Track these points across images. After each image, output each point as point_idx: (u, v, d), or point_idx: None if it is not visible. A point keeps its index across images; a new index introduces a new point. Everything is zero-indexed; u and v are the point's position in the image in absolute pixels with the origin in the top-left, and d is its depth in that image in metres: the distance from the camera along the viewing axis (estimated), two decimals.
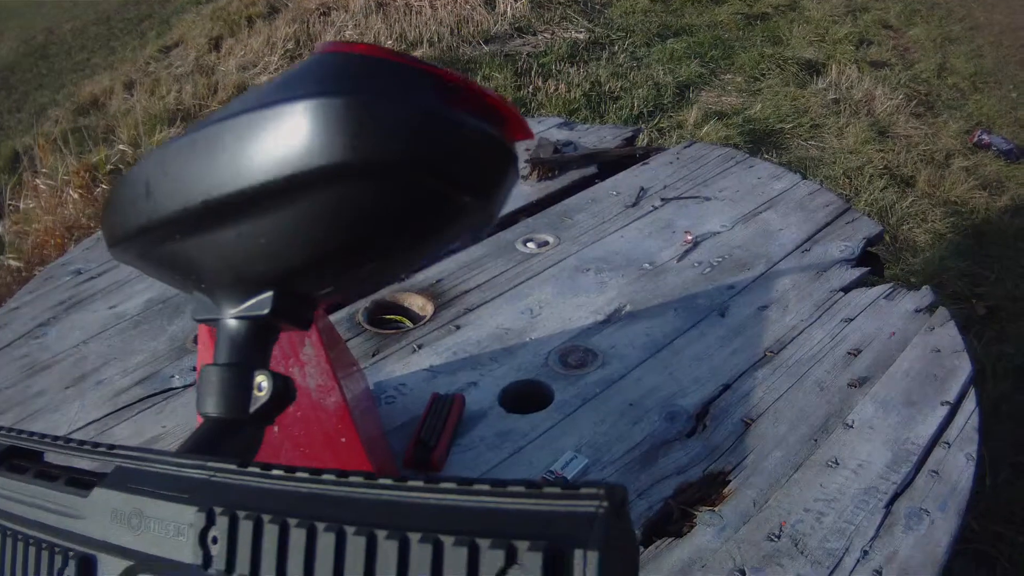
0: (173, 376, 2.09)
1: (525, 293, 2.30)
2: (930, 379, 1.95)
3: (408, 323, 2.22)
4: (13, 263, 4.78)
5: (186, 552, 0.54)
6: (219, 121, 0.72)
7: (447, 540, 0.43)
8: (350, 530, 0.46)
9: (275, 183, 0.67)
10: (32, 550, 0.68)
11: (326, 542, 0.47)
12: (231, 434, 0.77)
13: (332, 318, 2.20)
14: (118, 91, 7.61)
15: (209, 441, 0.76)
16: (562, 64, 6.34)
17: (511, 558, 0.41)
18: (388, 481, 0.49)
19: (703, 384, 1.94)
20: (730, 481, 1.69)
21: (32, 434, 0.76)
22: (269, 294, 0.76)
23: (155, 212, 0.75)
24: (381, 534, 0.45)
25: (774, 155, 5.36)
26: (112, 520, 0.61)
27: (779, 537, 1.57)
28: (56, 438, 0.74)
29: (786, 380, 1.95)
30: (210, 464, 0.58)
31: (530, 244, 2.53)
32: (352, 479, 0.50)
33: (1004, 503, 3.17)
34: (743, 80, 6.49)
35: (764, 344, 2.07)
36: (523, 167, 2.92)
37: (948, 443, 1.78)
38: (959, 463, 1.73)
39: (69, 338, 2.29)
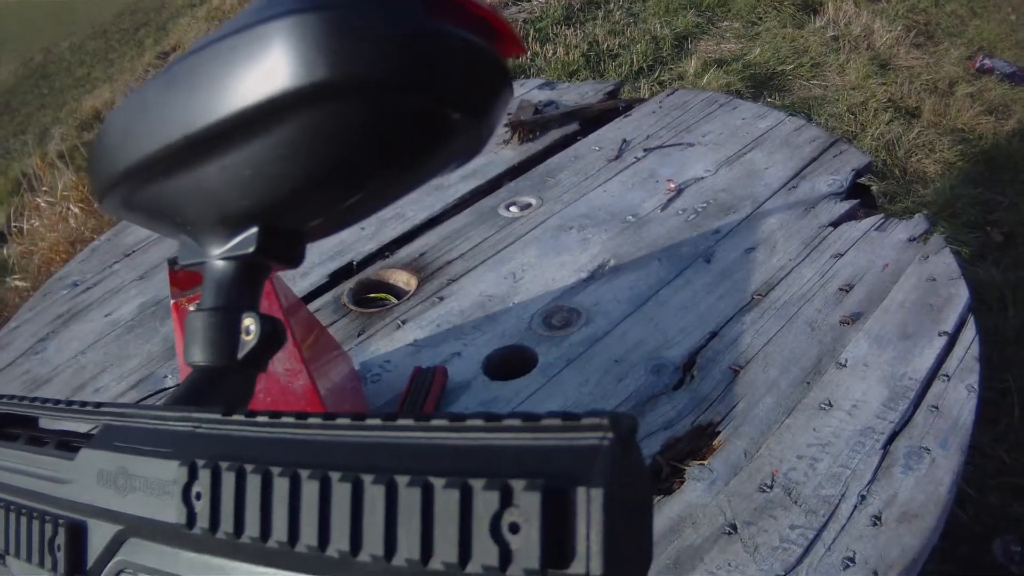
0: (166, 376, 2.09)
1: (508, 258, 2.27)
2: (926, 310, 1.90)
3: (393, 300, 2.20)
4: (20, 284, 4.80)
5: (171, 511, 0.51)
6: (195, 52, 0.67)
7: (437, 483, 0.39)
8: (335, 476, 0.43)
9: (255, 109, 0.62)
10: (24, 520, 0.65)
11: (310, 490, 0.43)
12: (219, 383, 0.72)
13: (317, 301, 2.21)
14: (119, 102, 7.63)
15: (196, 391, 0.71)
16: (559, 27, 6.29)
17: (506, 499, 0.36)
18: (376, 421, 0.45)
19: (689, 334, 1.90)
20: (719, 432, 1.66)
21: (23, 399, 0.74)
22: (254, 230, 0.71)
23: (137, 153, 0.70)
24: (367, 479, 0.41)
25: (776, 98, 5.34)
26: (99, 482, 0.58)
27: (771, 487, 1.53)
28: (46, 401, 0.71)
29: (775, 322, 1.91)
30: (194, 415, 0.55)
31: (513, 208, 2.50)
32: (340, 421, 0.46)
33: None
34: (741, 26, 6.45)
35: (751, 287, 2.03)
36: (504, 131, 2.90)
37: (947, 375, 1.74)
38: (960, 396, 1.69)
39: (67, 350, 2.29)
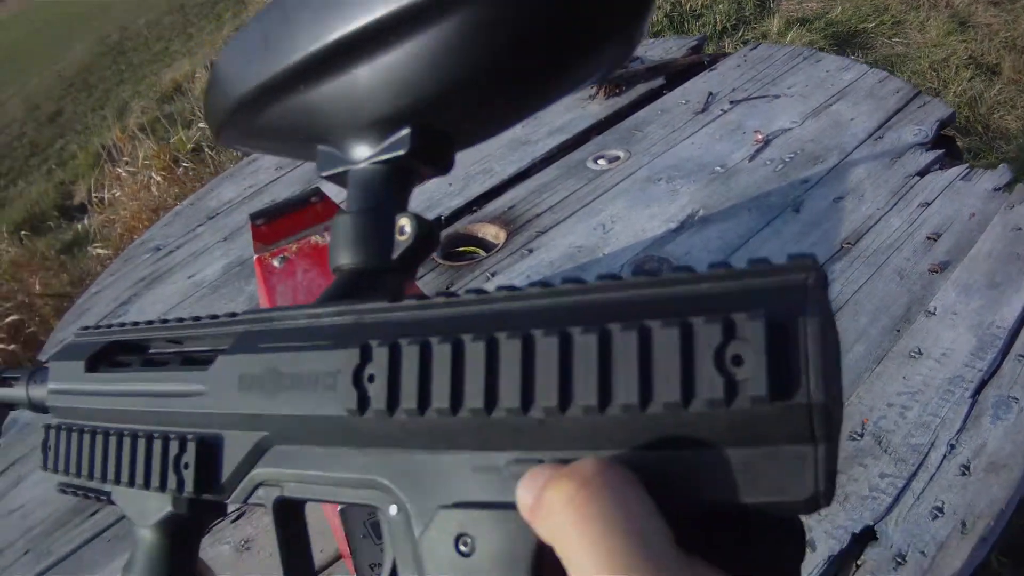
0: None
1: (597, 210, 2.27)
2: (1013, 259, 1.89)
3: (482, 253, 2.21)
4: (101, 251, 4.83)
5: (334, 403, 0.49)
6: None
7: (654, 324, 0.38)
8: (538, 332, 0.41)
9: (414, 6, 0.61)
10: (142, 444, 0.65)
11: (510, 350, 0.42)
12: (370, 284, 0.68)
13: None
14: (200, 74, 7.67)
15: (347, 291, 0.67)
16: None
17: (729, 332, 0.36)
18: (570, 286, 0.43)
19: None
20: None
21: (136, 323, 0.74)
22: (407, 131, 0.68)
23: (276, 65, 0.69)
24: (576, 330, 0.40)
25: (860, 55, 5.30)
26: (240, 388, 0.57)
27: (862, 436, 1.54)
28: (165, 321, 0.71)
29: (865, 271, 1.90)
30: (357, 307, 0.53)
31: (601, 161, 2.50)
32: (529, 291, 0.45)
33: None
34: None
35: (841, 236, 2.03)
36: (589, 87, 2.85)
37: None
38: None
39: (150, 312, 2.32)
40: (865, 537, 1.39)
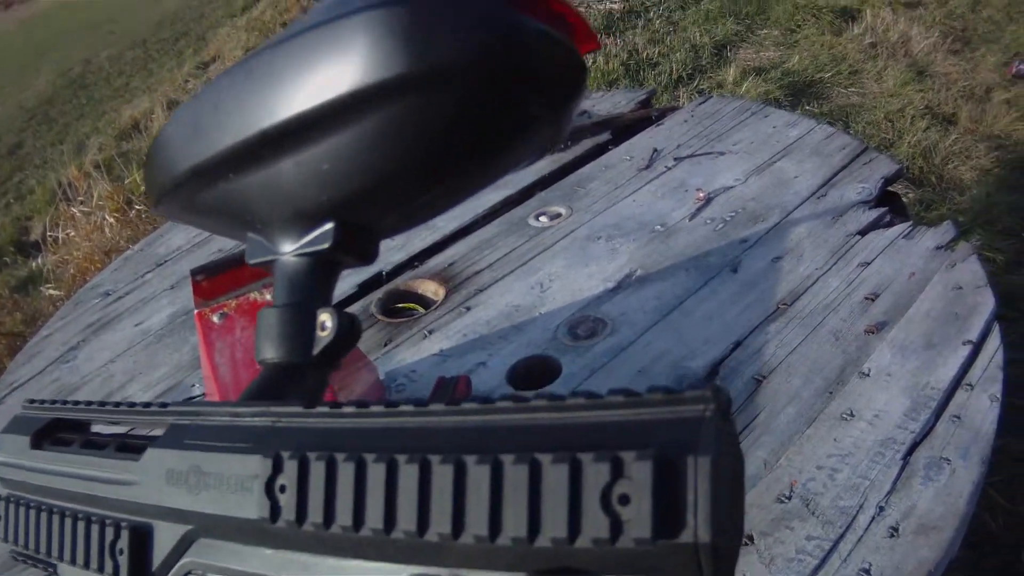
0: (194, 385, 2.10)
1: (536, 268, 2.27)
2: (951, 319, 1.89)
3: (421, 310, 2.21)
4: (53, 293, 4.83)
5: (250, 506, 0.51)
6: (274, 46, 0.68)
7: (544, 459, 0.39)
8: (435, 459, 0.42)
9: (337, 103, 0.62)
10: (81, 526, 0.66)
11: (408, 474, 0.43)
12: (294, 379, 0.72)
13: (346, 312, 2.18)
14: (159, 112, 7.68)
15: (270, 388, 0.71)
16: (599, 37, 6.28)
17: (617, 471, 0.36)
18: (474, 405, 0.44)
19: (713, 344, 1.90)
20: (741, 443, 1.63)
21: (78, 403, 0.75)
22: (330, 226, 0.71)
23: (207, 150, 0.71)
24: (470, 459, 0.41)
25: (815, 105, 5.34)
26: (167, 482, 0.58)
27: (789, 498, 1.53)
28: (103, 403, 0.72)
29: (800, 332, 1.90)
30: (273, 409, 0.54)
31: (542, 218, 2.50)
32: (433, 408, 0.46)
33: None
34: (779, 33, 6.45)
35: (777, 297, 2.03)
36: None
37: (971, 385, 1.73)
38: (982, 405, 1.68)
39: (97, 359, 2.31)
40: None
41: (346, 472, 0.45)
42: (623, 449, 0.36)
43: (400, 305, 2.25)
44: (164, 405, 0.63)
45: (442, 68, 0.62)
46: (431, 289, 2.27)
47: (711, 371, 1.82)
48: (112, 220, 5.09)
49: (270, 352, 0.72)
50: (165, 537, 0.59)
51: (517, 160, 0.75)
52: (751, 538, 1.47)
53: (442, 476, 0.41)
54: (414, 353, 2.01)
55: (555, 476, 0.38)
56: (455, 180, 0.73)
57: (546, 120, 0.70)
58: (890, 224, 2.25)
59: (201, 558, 0.57)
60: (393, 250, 2.43)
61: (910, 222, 2.24)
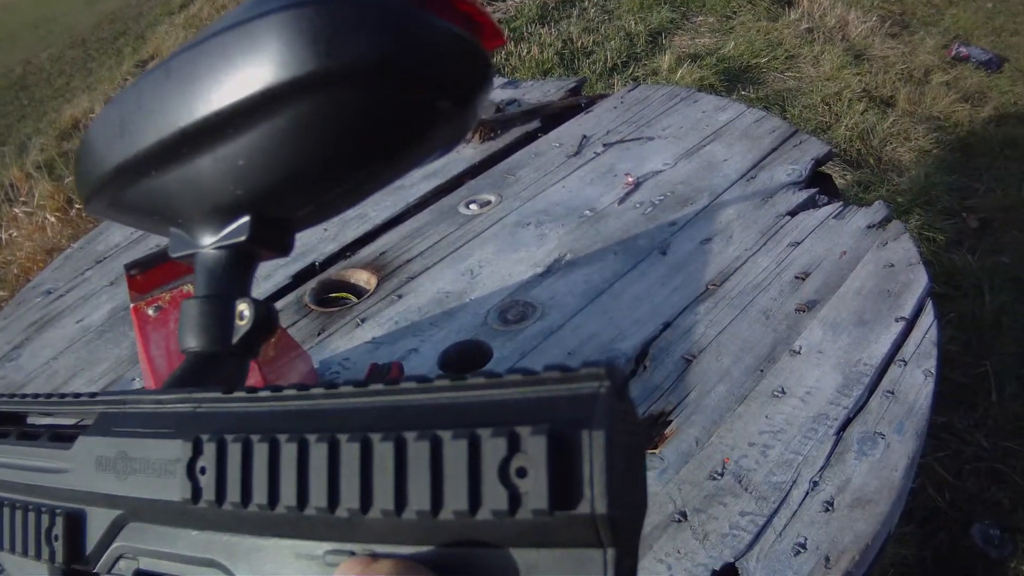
0: (134, 379, 2.10)
1: (466, 255, 2.27)
2: (883, 296, 1.90)
3: (354, 299, 2.21)
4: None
5: (174, 489, 0.52)
6: (192, 47, 0.69)
7: (445, 435, 0.40)
8: (343, 438, 0.43)
9: (250, 100, 0.64)
10: (19, 514, 0.66)
11: (319, 453, 0.44)
12: (214, 367, 0.75)
13: (280, 302, 2.23)
14: (98, 111, 7.64)
15: (192, 375, 0.74)
16: (533, 26, 6.29)
17: (514, 445, 0.37)
18: (380, 386, 0.46)
19: (643, 325, 1.90)
20: (671, 421, 1.65)
21: (12, 396, 0.75)
22: (246, 219, 0.73)
23: (130, 149, 0.72)
24: (376, 437, 0.42)
25: (751, 91, 5.35)
26: (97, 468, 0.59)
27: (722, 475, 1.53)
28: (37, 396, 0.73)
29: (729, 312, 1.91)
30: (194, 395, 0.55)
31: (472, 206, 2.50)
32: (343, 389, 0.47)
33: (1012, 418, 3.16)
34: (715, 20, 6.45)
35: (706, 278, 2.03)
36: None
37: (904, 360, 1.74)
38: (916, 381, 1.69)
39: (40, 356, 2.31)
40: (726, 574, 1.39)
41: (261, 452, 0.46)
42: (520, 425, 0.37)
43: (333, 295, 2.25)
44: (93, 395, 0.64)
45: (349, 66, 0.63)
46: (363, 278, 2.27)
47: (641, 352, 1.82)
48: (53, 219, 5.08)
49: (192, 341, 0.74)
50: (97, 522, 0.59)
51: (425, 153, 0.77)
52: (684, 515, 1.47)
53: (350, 454, 0.42)
54: (347, 341, 2.01)
55: (455, 451, 0.39)
56: (365, 173, 0.75)
57: (452, 115, 0.71)
58: (821, 205, 2.25)
59: (132, 542, 0.58)
60: (326, 240, 2.43)
61: (840, 202, 2.25)
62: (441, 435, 0.39)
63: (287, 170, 0.69)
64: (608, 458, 0.36)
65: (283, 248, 0.77)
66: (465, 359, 1.92)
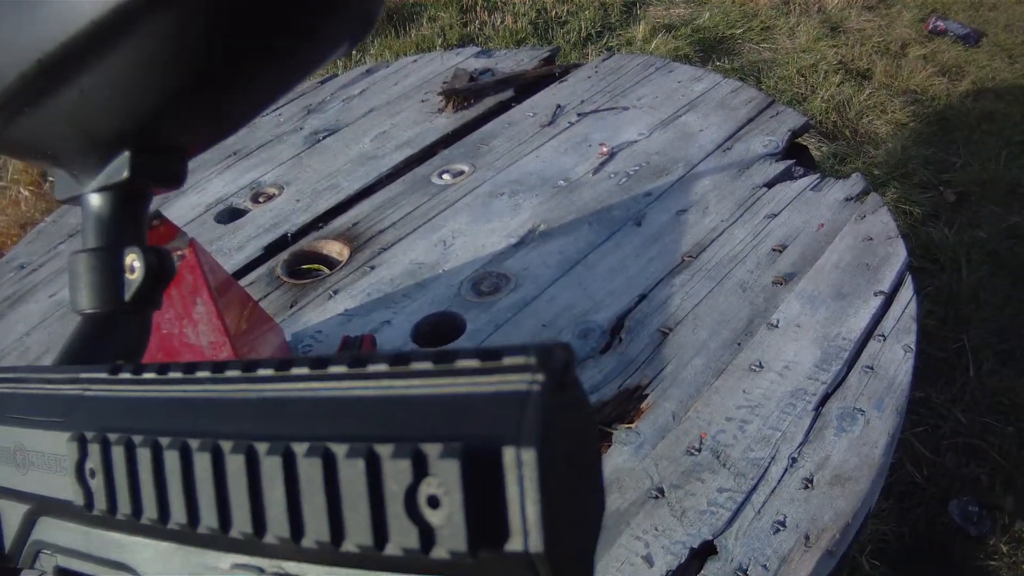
0: None
1: (439, 225, 2.26)
2: (862, 269, 1.89)
3: (326, 270, 2.19)
4: None
5: (69, 490, 0.47)
6: None
7: (339, 450, 0.34)
8: (227, 446, 0.38)
9: (104, 19, 0.57)
10: None
11: (203, 464, 0.39)
12: (110, 330, 0.68)
13: (252, 274, 2.20)
14: None
15: (86, 343, 0.67)
16: None
17: (420, 468, 0.31)
18: (269, 372, 0.40)
19: (618, 297, 1.89)
20: (647, 395, 1.64)
21: None
22: (126, 155, 0.66)
23: None
24: (262, 448, 0.37)
25: (725, 61, 5.34)
26: (1, 460, 0.55)
27: (699, 450, 1.52)
28: None
29: (706, 284, 1.89)
30: (81, 375, 0.51)
31: (445, 176, 2.49)
32: (230, 374, 0.42)
33: (990, 393, 3.15)
34: None
35: (682, 249, 2.02)
36: (438, 99, 2.89)
37: (883, 335, 1.73)
38: (896, 356, 1.68)
39: (14, 331, 2.29)
40: (704, 552, 1.38)
41: (144, 458, 0.42)
42: (430, 436, 0.32)
43: (305, 266, 2.23)
44: None
45: None
46: (336, 249, 2.26)
47: (616, 324, 1.82)
48: (27, 193, 5.06)
49: (83, 302, 0.68)
50: (11, 517, 0.56)
51: (322, 53, 0.69)
52: (662, 491, 1.46)
53: (235, 466, 0.38)
54: (320, 314, 2.00)
55: (351, 473, 0.33)
56: (251, 83, 0.68)
57: (345, 2, 0.65)
58: (798, 176, 2.23)
59: (47, 537, 0.54)
60: (298, 211, 2.41)
61: (818, 174, 2.23)
62: (335, 450, 0.34)
63: (160, 93, 0.63)
64: (543, 479, 0.30)
65: (174, 180, 0.70)
66: (438, 331, 1.90)
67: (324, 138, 2.77)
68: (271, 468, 0.36)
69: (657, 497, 1.45)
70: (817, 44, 5.47)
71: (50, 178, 5.21)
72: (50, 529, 0.53)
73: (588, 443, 0.34)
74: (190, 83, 0.62)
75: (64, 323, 2.24)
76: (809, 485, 1.44)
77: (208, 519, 0.39)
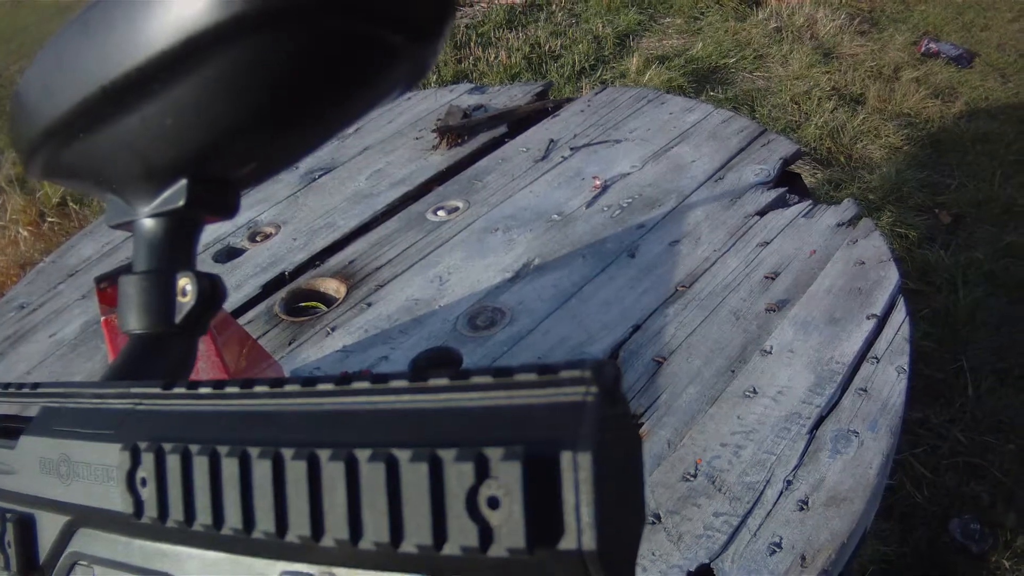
0: None
1: (435, 262, 2.27)
2: (854, 294, 1.90)
3: (324, 308, 2.21)
4: None
5: (117, 499, 0.47)
6: None
7: (402, 455, 0.35)
8: (288, 453, 0.39)
9: (172, 51, 0.57)
10: None
11: (263, 471, 0.39)
12: (158, 350, 0.68)
13: (250, 313, 2.21)
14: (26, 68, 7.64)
15: (135, 362, 0.67)
16: (501, 31, 6.28)
17: (483, 471, 0.32)
18: (328, 387, 0.40)
19: (612, 328, 1.90)
20: (643, 423, 1.64)
21: None
22: (183, 183, 0.66)
23: (56, 110, 0.66)
24: (324, 455, 0.37)
25: (719, 91, 5.35)
26: (41, 471, 0.55)
27: (695, 476, 1.53)
28: None
29: (699, 313, 1.91)
30: (133, 390, 0.51)
31: (440, 212, 2.50)
32: (289, 388, 0.42)
33: (989, 412, 3.16)
34: (683, 21, 6.44)
35: (675, 280, 2.03)
36: (432, 137, 2.90)
37: (876, 358, 1.74)
38: (889, 378, 1.70)
39: (15, 371, 2.30)
40: (701, 575, 1.39)
41: (201, 467, 0.42)
42: (490, 442, 0.33)
43: (303, 304, 2.24)
44: (35, 385, 0.60)
45: (279, 4, 0.56)
46: (333, 287, 2.27)
47: (611, 355, 1.82)
48: (26, 233, 5.07)
49: (133, 322, 0.67)
50: (48, 528, 0.56)
51: (381, 95, 0.69)
52: (658, 517, 1.47)
53: (296, 473, 0.38)
54: (318, 351, 2.01)
55: (414, 477, 0.34)
56: (310, 122, 0.69)
57: (407, 51, 0.64)
58: (791, 204, 2.25)
59: (85, 549, 0.53)
60: (295, 250, 2.43)
61: (810, 201, 2.25)
62: (398, 455, 0.35)
63: (221, 127, 0.63)
64: (597, 482, 0.31)
65: (227, 210, 0.71)
66: (435, 366, 1.90)
67: (320, 177, 2.79)
68: (333, 473, 0.37)
69: (654, 523, 1.46)
70: (810, 71, 5.49)
71: (49, 219, 5.23)
72: (89, 540, 0.53)
73: (634, 456, 0.35)
74: (251, 119, 0.63)
75: (65, 362, 2.25)
76: (804, 507, 1.45)
77: (264, 523, 0.39)
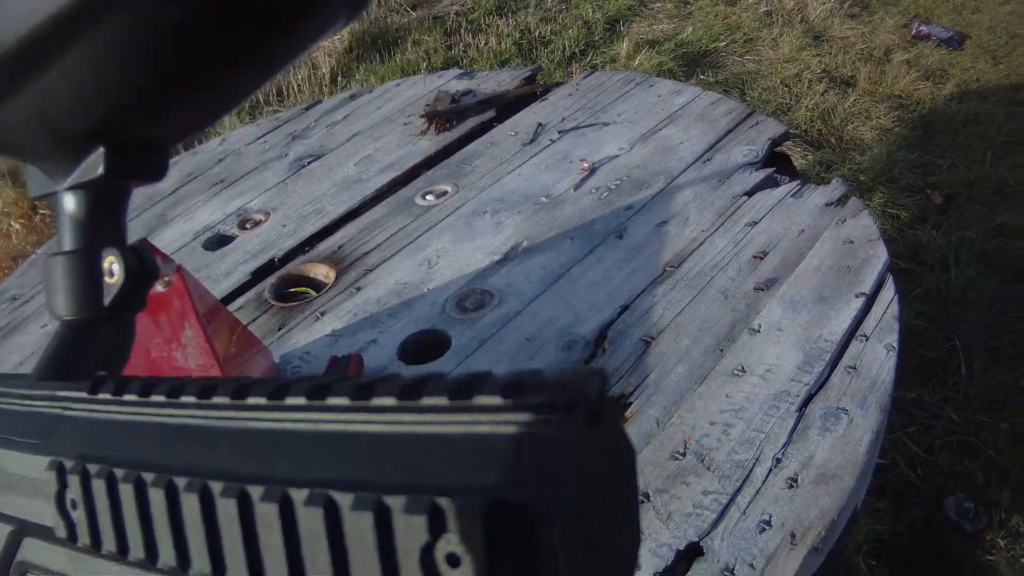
0: None
1: (423, 245, 2.27)
2: (843, 272, 1.90)
3: (313, 293, 2.21)
4: None
5: (50, 517, 0.45)
6: None
7: (343, 500, 0.31)
8: (216, 488, 0.35)
9: (64, 14, 0.52)
10: None
11: (191, 506, 0.36)
12: (91, 337, 0.61)
13: (240, 299, 2.21)
14: None
15: (66, 353, 0.60)
16: (491, 18, 6.26)
17: (438, 525, 0.28)
18: (262, 400, 0.37)
19: (600, 309, 1.90)
20: (631, 403, 1.64)
21: None
22: (100, 151, 0.61)
23: None
24: (256, 492, 0.34)
25: (710, 75, 5.34)
26: None
27: (684, 455, 1.53)
28: None
29: (687, 293, 1.90)
30: (59, 393, 0.49)
31: (429, 197, 2.50)
32: (217, 401, 0.39)
33: (983, 390, 3.15)
34: (673, 6, 6.42)
35: (664, 260, 2.03)
36: (420, 122, 2.90)
37: (865, 336, 1.74)
38: (878, 355, 1.69)
39: (8, 362, 2.30)
40: (690, 553, 1.39)
41: (127, 494, 0.39)
42: (443, 482, 0.29)
43: (293, 290, 2.25)
44: None
45: None
46: (322, 272, 2.27)
47: (599, 335, 1.83)
48: (18, 226, 5.06)
49: (60, 308, 0.61)
50: None
51: (317, 31, 0.61)
52: (647, 495, 1.47)
53: (227, 511, 0.35)
54: (307, 336, 2.01)
55: (359, 528, 0.30)
56: (239, 68, 0.61)
57: None
58: (779, 184, 2.24)
59: (32, 558, 0.51)
60: (284, 236, 2.43)
61: (798, 181, 2.24)
62: (338, 499, 0.31)
63: (136, 85, 0.57)
64: (572, 532, 0.28)
65: (154, 173, 0.65)
66: (424, 348, 1.91)
67: (309, 163, 2.79)
68: (267, 515, 0.33)
69: (643, 502, 1.46)
70: (800, 54, 5.48)
71: (41, 210, 5.22)
72: (36, 550, 0.50)
73: (623, 475, 0.32)
74: (160, 77, 0.58)
75: None
76: (794, 484, 1.45)
77: (200, 565, 0.36)
